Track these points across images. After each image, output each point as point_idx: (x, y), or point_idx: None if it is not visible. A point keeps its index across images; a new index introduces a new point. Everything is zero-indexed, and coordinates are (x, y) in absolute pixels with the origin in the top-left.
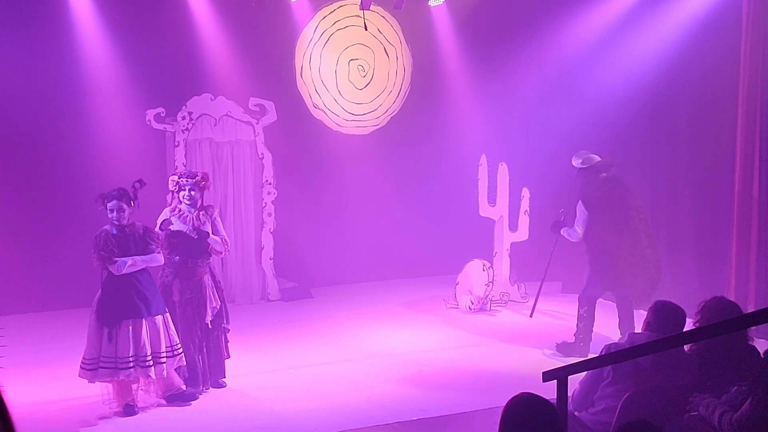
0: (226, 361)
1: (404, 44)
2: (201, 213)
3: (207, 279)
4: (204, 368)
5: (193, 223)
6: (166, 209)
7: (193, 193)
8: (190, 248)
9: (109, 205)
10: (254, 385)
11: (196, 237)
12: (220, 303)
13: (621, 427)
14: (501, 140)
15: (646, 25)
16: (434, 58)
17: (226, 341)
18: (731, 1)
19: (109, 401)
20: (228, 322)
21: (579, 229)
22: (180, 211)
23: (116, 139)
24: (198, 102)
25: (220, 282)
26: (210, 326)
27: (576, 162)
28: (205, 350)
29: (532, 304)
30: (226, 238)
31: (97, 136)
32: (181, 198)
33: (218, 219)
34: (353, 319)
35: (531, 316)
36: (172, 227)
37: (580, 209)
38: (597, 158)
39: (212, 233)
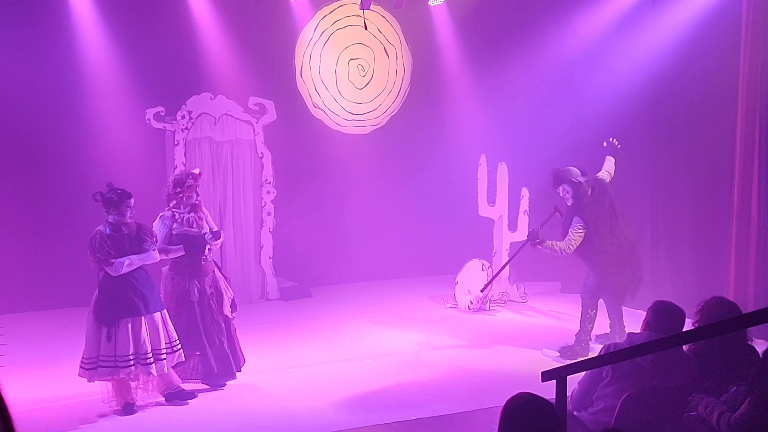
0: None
1: (404, 44)
2: (193, 213)
3: (217, 272)
4: (233, 356)
5: (196, 225)
6: (165, 214)
7: (199, 196)
8: (196, 248)
9: (131, 201)
10: (253, 384)
11: (211, 239)
12: (233, 294)
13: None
14: (500, 140)
15: (646, 25)
16: (434, 58)
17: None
18: (731, 1)
19: (108, 400)
20: (235, 310)
21: (574, 244)
22: (180, 215)
23: (116, 138)
24: (197, 101)
25: (225, 273)
26: (229, 317)
27: (579, 178)
28: (227, 344)
29: (531, 304)
30: (217, 230)
31: (97, 134)
32: (186, 200)
33: (207, 214)
34: (352, 318)
35: (482, 291)
36: (179, 231)
37: (578, 225)
38: (575, 170)
39: (209, 229)
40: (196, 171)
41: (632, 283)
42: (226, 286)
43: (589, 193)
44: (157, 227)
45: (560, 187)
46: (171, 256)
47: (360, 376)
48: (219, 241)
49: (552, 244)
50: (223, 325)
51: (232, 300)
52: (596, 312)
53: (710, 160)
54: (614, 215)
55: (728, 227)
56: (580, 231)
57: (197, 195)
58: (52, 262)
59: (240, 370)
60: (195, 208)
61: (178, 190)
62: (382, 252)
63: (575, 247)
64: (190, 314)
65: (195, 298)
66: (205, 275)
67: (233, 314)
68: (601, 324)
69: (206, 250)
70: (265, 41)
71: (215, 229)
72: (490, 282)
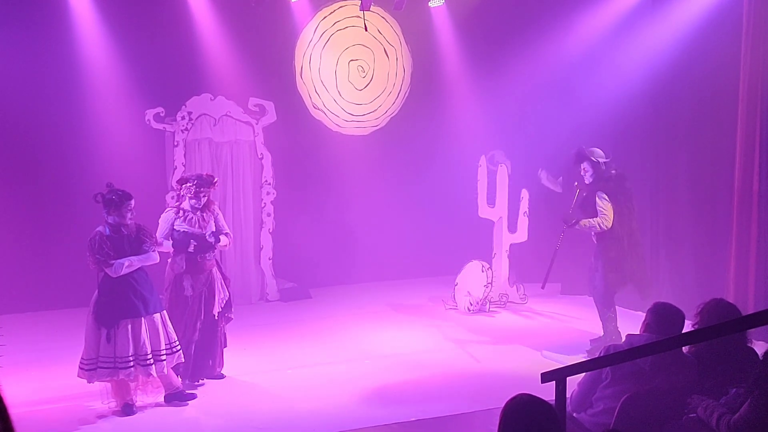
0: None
1: (404, 45)
2: (204, 213)
3: (215, 272)
4: (203, 362)
5: (199, 225)
6: (169, 212)
7: (205, 198)
8: (197, 245)
9: (131, 203)
10: (253, 385)
11: (213, 241)
12: (228, 294)
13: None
14: (500, 141)
15: (647, 26)
16: (434, 59)
17: (224, 330)
18: (731, 1)
19: (107, 401)
20: (231, 311)
21: (609, 216)
22: (185, 212)
23: (115, 139)
24: (197, 102)
25: (226, 273)
26: (216, 318)
27: (600, 159)
28: (206, 343)
29: (530, 305)
30: (229, 232)
31: (97, 135)
32: (191, 203)
33: (220, 214)
34: (352, 319)
35: (542, 287)
36: (181, 228)
37: (604, 198)
38: (599, 151)
39: (217, 229)
40: (214, 180)
41: (637, 275)
42: (222, 286)
43: (613, 172)
44: (160, 221)
45: (581, 165)
46: (161, 249)
47: (359, 377)
48: (221, 244)
49: (588, 222)
50: (201, 327)
51: (227, 301)
52: (615, 311)
53: (711, 160)
54: (632, 206)
55: (728, 228)
56: (609, 203)
57: (199, 199)
58: (52, 262)
59: (203, 382)
60: (204, 208)
61: (179, 187)
62: (381, 253)
63: (611, 218)
64: (183, 309)
65: (188, 293)
66: (200, 273)
67: (230, 315)
68: (597, 327)
69: (192, 247)
70: (265, 42)
71: (226, 230)
72: (546, 277)
